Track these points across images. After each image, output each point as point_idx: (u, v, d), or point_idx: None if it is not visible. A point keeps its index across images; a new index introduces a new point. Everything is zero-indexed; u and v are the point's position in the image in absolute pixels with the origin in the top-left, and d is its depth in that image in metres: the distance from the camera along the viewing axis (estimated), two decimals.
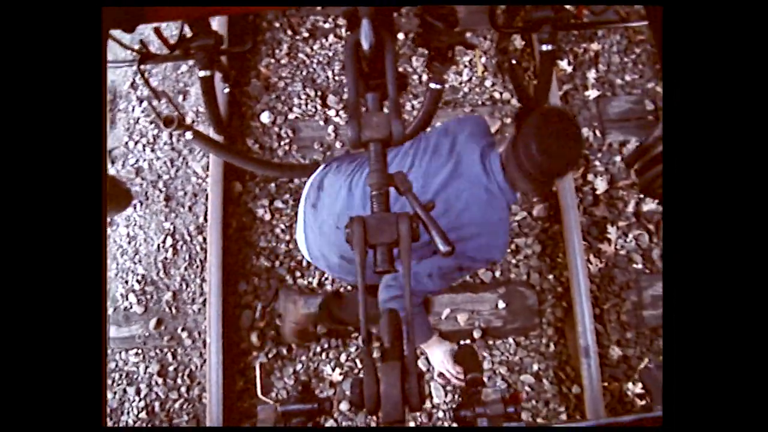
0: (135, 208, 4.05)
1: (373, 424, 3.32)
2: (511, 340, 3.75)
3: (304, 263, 3.83)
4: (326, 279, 3.79)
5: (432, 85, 2.72)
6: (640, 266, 3.91)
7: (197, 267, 3.87)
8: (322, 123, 4.15)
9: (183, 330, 3.79)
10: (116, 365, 3.74)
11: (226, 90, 3.77)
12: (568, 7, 3.66)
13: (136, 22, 2.11)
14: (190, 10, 2.23)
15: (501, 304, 3.76)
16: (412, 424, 3.59)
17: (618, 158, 4.13)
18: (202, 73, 2.85)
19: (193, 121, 4.18)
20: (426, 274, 2.55)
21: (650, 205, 4.03)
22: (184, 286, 3.85)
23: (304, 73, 4.29)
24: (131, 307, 3.83)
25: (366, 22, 2.09)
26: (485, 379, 3.54)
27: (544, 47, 2.74)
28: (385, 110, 2.14)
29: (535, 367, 3.70)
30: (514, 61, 4.15)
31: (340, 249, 2.70)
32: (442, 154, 2.53)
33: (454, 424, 3.33)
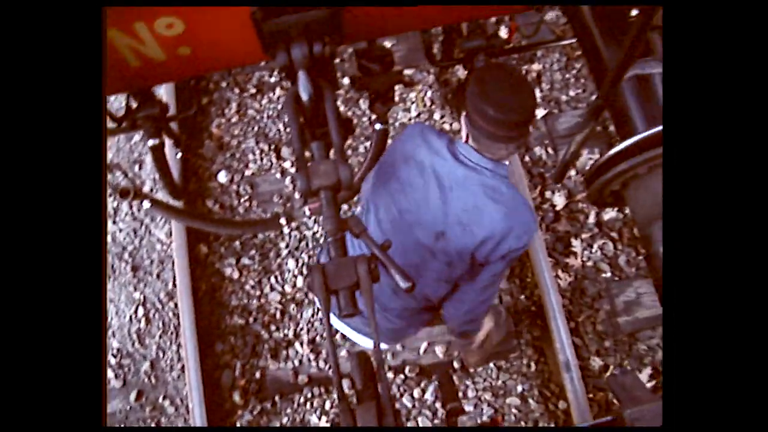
0: None
1: None
2: (491, 365, 3.76)
3: (278, 316, 3.83)
4: (301, 330, 3.80)
5: (377, 126, 2.77)
6: (608, 275, 3.97)
7: (172, 333, 3.85)
8: (278, 176, 4.19)
9: (165, 398, 3.75)
10: None
11: (179, 155, 3.80)
12: (501, 33, 3.77)
13: None
14: (127, 83, 2.27)
15: None
16: None
17: (573, 172, 4.21)
18: (151, 142, 2.88)
19: (152, 189, 4.19)
20: (482, 287, 2.56)
21: (611, 214, 4.11)
22: (161, 354, 3.82)
23: (256, 128, 4.34)
24: (109, 383, 3.79)
25: (302, 73, 2.14)
26: (471, 408, 3.56)
27: None
28: (332, 157, 2.18)
29: (519, 388, 3.72)
30: (449, 96, 4.24)
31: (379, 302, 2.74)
32: (419, 183, 2.50)
33: None
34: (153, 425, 3.70)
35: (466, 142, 2.44)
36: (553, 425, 3.65)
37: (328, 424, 3.60)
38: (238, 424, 3.64)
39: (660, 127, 2.14)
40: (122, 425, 3.72)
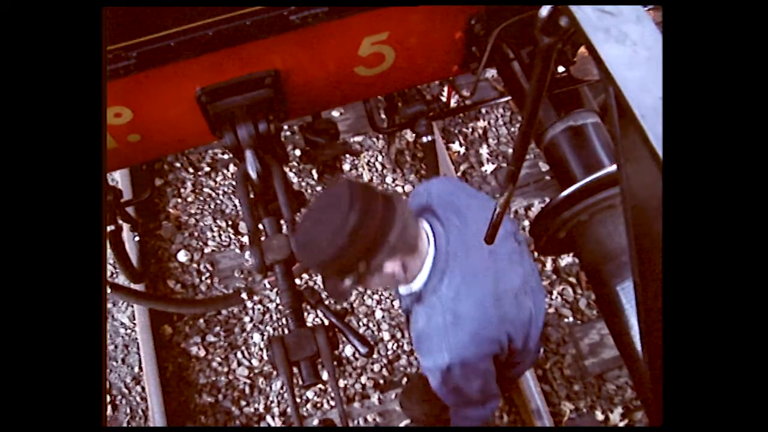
0: None
1: None
2: None
3: (247, 391, 3.81)
4: (272, 403, 3.78)
5: None
6: (570, 319, 4.03)
7: (140, 418, 3.80)
8: (238, 251, 4.22)
9: None
10: None
11: (136, 238, 3.82)
12: (443, 97, 3.90)
13: None
14: None
15: None
16: None
17: (526, 222, 4.31)
18: (107, 229, 2.91)
19: (112, 274, 4.18)
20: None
21: (567, 259, 4.19)
22: None
23: (212, 206, 4.38)
24: None
25: (249, 152, 2.21)
26: None
27: (425, 139, 2.90)
28: (285, 231, 2.24)
29: None
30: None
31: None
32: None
33: None
34: None
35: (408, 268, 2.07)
36: None
37: None
38: None
39: (596, 175, 2.25)
40: None
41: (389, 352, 3.90)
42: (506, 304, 2.14)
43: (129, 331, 4.03)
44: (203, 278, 4.15)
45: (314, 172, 4.42)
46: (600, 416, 3.75)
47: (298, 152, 4.43)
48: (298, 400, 3.72)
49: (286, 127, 4.52)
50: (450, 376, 2.12)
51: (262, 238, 2.18)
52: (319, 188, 4.36)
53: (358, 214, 1.83)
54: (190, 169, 4.52)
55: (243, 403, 3.80)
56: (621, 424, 3.73)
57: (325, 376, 1.98)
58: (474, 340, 2.08)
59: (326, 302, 2.07)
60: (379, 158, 4.50)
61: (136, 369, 3.92)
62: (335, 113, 4.65)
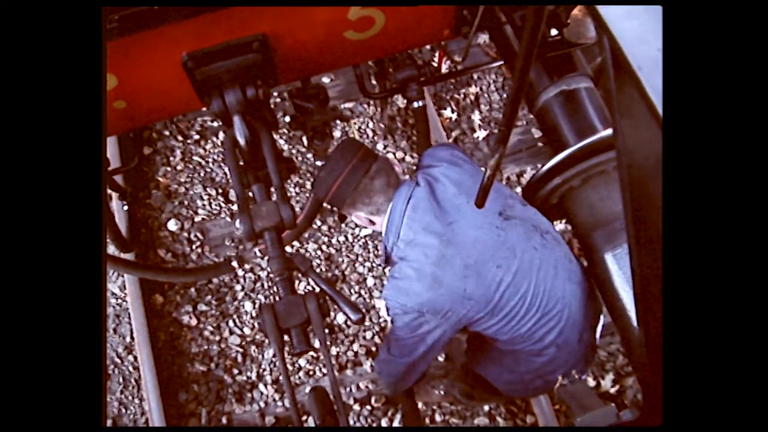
0: None
1: None
2: None
3: (239, 359, 3.81)
4: (264, 370, 3.78)
5: (318, 163, 2.82)
6: None
7: (133, 387, 3.80)
8: (228, 219, 4.20)
9: None
10: None
11: (125, 207, 3.79)
12: (434, 62, 3.85)
13: None
14: None
15: (440, 357, 3.81)
16: None
17: (519, 189, 4.29)
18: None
19: None
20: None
21: (558, 226, 4.18)
22: (123, 410, 3.77)
23: (202, 174, 4.34)
24: None
25: (237, 118, 2.17)
26: None
27: (415, 104, 2.87)
28: (274, 198, 2.21)
29: (486, 407, 3.74)
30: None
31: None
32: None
33: None
34: None
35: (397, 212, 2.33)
36: None
37: None
38: None
39: (588, 140, 2.22)
40: None
41: (381, 320, 3.90)
42: (455, 275, 2.25)
43: (120, 300, 4.02)
44: (194, 247, 4.13)
45: (304, 138, 4.38)
46: (591, 382, 3.77)
47: (287, 118, 4.38)
48: (290, 367, 3.73)
49: (275, 93, 4.47)
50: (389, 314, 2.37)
51: (252, 206, 2.15)
52: (309, 155, 4.33)
53: (326, 171, 2.29)
54: (179, 137, 4.47)
55: (235, 371, 3.80)
56: (612, 390, 3.75)
57: (316, 343, 1.96)
58: (403, 299, 2.26)
59: (316, 270, 2.05)
60: (370, 124, 4.46)
61: (128, 338, 3.91)
62: (325, 79, 4.60)
